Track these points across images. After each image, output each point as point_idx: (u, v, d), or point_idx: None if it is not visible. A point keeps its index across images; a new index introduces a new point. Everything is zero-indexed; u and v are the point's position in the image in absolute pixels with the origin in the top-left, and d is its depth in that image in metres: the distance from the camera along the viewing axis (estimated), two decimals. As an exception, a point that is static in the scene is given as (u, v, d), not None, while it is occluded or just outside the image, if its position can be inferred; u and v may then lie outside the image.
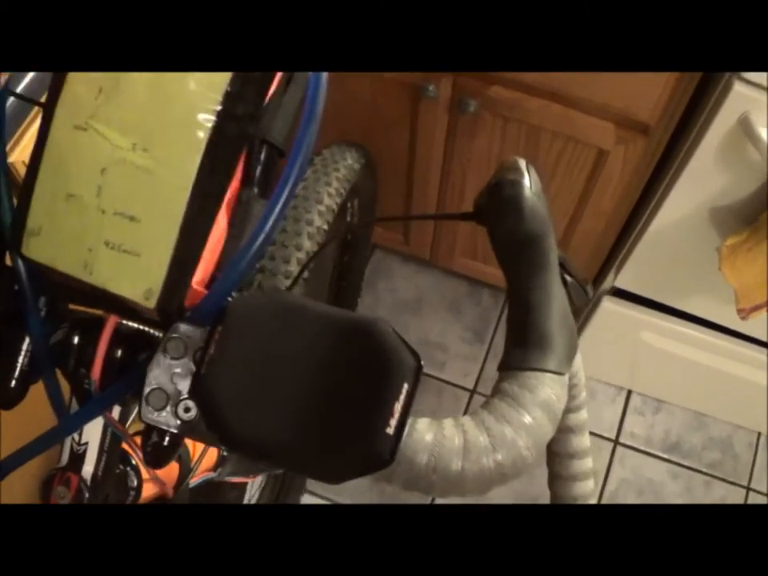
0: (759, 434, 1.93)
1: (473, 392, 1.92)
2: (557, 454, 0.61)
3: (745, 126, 1.13)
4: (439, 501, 1.69)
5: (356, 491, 1.82)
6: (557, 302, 0.52)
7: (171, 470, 0.71)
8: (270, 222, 0.47)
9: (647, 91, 1.21)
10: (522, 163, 0.55)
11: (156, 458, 0.51)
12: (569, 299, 0.54)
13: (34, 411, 0.91)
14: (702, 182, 1.27)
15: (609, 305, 1.67)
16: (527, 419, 0.48)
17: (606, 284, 1.64)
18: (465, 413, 1.97)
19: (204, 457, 0.77)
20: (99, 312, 0.54)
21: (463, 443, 0.47)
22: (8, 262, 0.54)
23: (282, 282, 1.00)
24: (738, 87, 1.09)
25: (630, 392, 1.96)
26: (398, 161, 1.58)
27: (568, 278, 0.55)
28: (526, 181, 0.54)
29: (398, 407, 0.43)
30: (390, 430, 0.43)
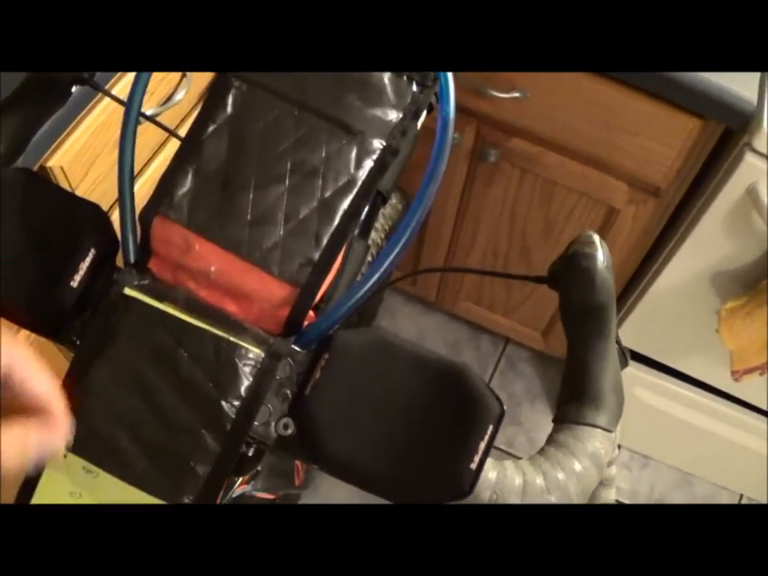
0: (741, 495, 1.97)
1: (465, 434, 1.95)
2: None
3: (752, 195, 1.18)
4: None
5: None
6: (612, 366, 0.58)
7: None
8: (388, 262, 0.52)
9: (662, 155, 1.27)
10: (597, 238, 0.60)
11: (240, 467, 0.54)
12: None
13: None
14: (707, 246, 1.33)
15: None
16: (578, 467, 0.54)
17: (605, 338, 1.69)
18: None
19: (246, 471, 0.80)
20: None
21: (522, 484, 0.52)
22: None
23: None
24: (749, 158, 1.15)
25: (618, 446, 2.00)
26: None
27: (615, 345, 0.60)
28: (600, 254, 0.59)
29: (482, 446, 0.49)
30: (473, 465, 0.48)
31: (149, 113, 1.09)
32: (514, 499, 0.52)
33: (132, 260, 0.55)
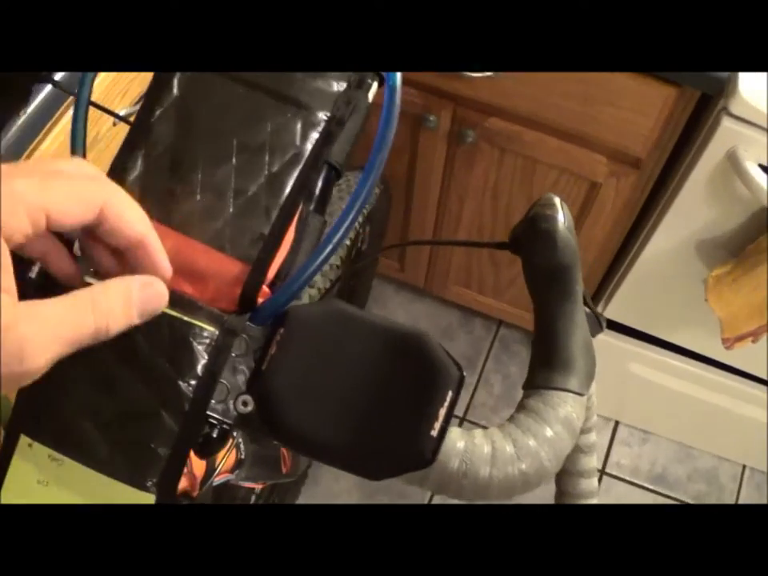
0: (744, 466, 1.96)
1: (462, 419, 1.95)
2: (566, 471, 0.64)
3: (732, 160, 1.17)
4: (436, 500, 1.71)
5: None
6: (580, 329, 0.57)
7: (200, 468, 0.73)
8: (339, 234, 0.51)
9: (639, 125, 1.26)
10: (557, 200, 0.58)
11: (205, 449, 0.54)
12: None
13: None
14: (691, 214, 1.32)
15: (598, 335, 1.70)
16: (549, 433, 0.53)
17: (596, 314, 1.68)
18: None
19: (226, 459, 0.80)
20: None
21: (491, 451, 0.51)
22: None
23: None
24: (727, 122, 1.14)
25: (617, 423, 2.00)
26: (397, 187, 1.62)
27: (586, 309, 0.59)
28: (561, 216, 0.57)
29: (442, 412, 0.47)
30: (434, 433, 0.47)
31: (122, 113, 1.08)
32: (484, 467, 0.51)
33: None
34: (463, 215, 1.64)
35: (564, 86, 1.26)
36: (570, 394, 0.55)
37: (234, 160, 0.53)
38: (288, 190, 0.52)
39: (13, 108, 0.86)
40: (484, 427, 1.82)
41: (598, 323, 0.62)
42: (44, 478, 0.51)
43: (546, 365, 0.56)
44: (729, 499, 1.93)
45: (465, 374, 0.48)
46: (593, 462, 0.66)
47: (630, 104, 1.24)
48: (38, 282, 0.53)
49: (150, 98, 0.55)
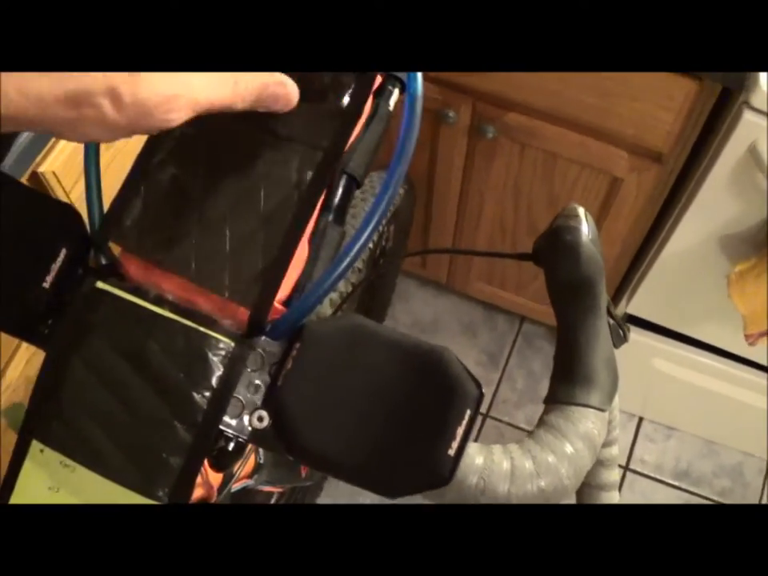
0: (770, 461, 1.95)
1: (486, 416, 1.95)
2: (586, 485, 0.63)
3: (754, 154, 1.16)
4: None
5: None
6: (603, 343, 0.56)
7: (217, 476, 0.74)
8: (355, 251, 0.51)
9: (660, 120, 1.25)
10: (581, 211, 0.58)
11: (220, 461, 0.54)
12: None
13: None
14: (713, 209, 1.30)
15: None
16: (569, 449, 0.52)
17: (619, 310, 1.67)
18: (478, 436, 1.94)
19: (244, 465, 0.80)
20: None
21: (510, 468, 0.51)
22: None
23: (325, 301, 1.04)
24: (748, 116, 1.12)
25: (641, 419, 1.98)
26: (418, 183, 1.61)
27: (610, 320, 0.58)
28: (584, 228, 0.57)
29: (459, 431, 0.47)
30: (452, 452, 0.47)
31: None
32: (503, 484, 0.50)
33: (105, 262, 0.55)
34: (484, 211, 1.63)
35: (583, 80, 1.25)
36: (592, 410, 0.54)
37: (231, 199, 0.53)
38: (286, 228, 0.52)
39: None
40: (508, 424, 1.80)
41: (622, 334, 0.61)
42: (55, 484, 0.51)
43: (568, 379, 0.55)
44: (754, 495, 1.91)
45: (483, 391, 0.48)
46: (614, 475, 0.65)
47: (650, 98, 1.23)
48: (51, 292, 0.54)
49: (151, 141, 0.55)
